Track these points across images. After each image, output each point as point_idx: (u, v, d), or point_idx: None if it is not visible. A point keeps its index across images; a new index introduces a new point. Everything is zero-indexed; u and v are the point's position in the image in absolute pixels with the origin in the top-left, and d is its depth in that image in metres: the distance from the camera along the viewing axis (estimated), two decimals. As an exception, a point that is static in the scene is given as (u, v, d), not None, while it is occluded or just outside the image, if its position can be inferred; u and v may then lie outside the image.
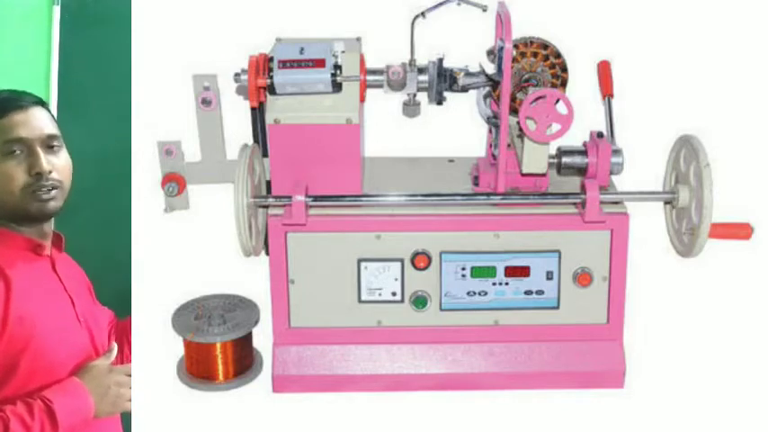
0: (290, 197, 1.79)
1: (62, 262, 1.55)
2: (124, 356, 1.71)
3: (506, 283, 1.87)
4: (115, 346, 1.52)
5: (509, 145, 1.88)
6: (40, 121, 1.46)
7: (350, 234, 1.84)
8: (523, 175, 1.88)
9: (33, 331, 1.40)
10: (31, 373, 1.39)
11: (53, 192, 1.45)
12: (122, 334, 1.70)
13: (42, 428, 1.32)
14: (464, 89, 1.85)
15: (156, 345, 1.96)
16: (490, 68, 1.85)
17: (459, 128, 2.11)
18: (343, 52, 1.82)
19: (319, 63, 1.78)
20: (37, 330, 1.40)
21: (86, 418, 1.40)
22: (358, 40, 1.94)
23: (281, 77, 1.78)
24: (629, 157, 1.86)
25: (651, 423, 1.81)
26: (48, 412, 1.34)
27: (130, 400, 1.47)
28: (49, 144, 1.46)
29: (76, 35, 2.34)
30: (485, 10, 1.79)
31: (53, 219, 1.51)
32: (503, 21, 1.76)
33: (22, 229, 1.48)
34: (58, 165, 1.46)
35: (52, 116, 1.50)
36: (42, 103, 1.50)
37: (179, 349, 1.96)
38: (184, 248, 2.29)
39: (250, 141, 1.91)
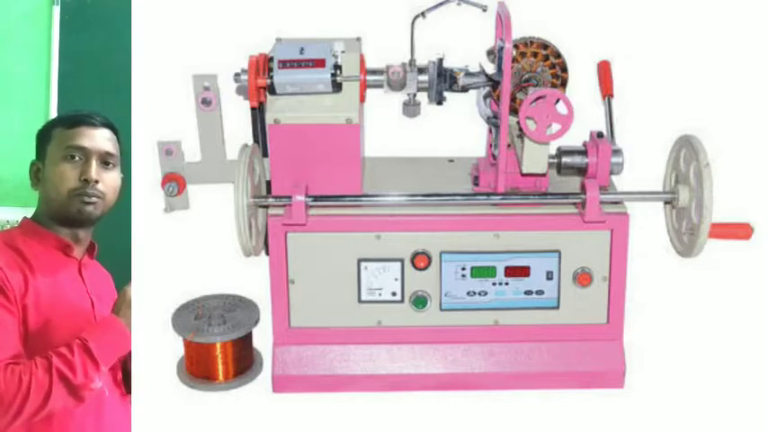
0: (290, 197, 1.79)
1: (91, 268, 1.66)
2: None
3: (506, 283, 1.87)
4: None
5: (509, 145, 1.88)
6: (104, 139, 1.60)
7: (350, 234, 1.84)
8: (523, 175, 1.87)
9: (48, 321, 1.50)
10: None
11: (94, 199, 1.57)
12: None
13: (84, 364, 1.44)
14: (464, 89, 1.85)
15: (156, 345, 1.96)
16: (490, 68, 1.85)
17: (459, 128, 2.10)
18: (343, 52, 1.81)
19: (319, 63, 1.78)
20: (50, 322, 1.50)
21: (126, 348, 1.53)
22: (358, 40, 1.94)
23: (281, 77, 1.78)
24: (629, 157, 1.86)
25: (651, 423, 1.81)
26: (85, 350, 1.45)
27: None
28: (105, 160, 1.59)
29: (76, 35, 2.35)
30: (485, 10, 1.79)
31: (90, 227, 1.63)
32: (503, 21, 1.76)
33: (59, 229, 1.60)
34: (107, 179, 1.59)
35: (117, 139, 1.64)
36: (113, 127, 1.63)
37: (179, 349, 1.96)
38: (184, 248, 2.29)
39: (250, 141, 1.91)
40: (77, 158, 1.57)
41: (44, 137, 1.62)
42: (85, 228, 1.62)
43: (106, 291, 1.68)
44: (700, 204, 1.78)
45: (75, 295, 1.59)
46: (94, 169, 1.57)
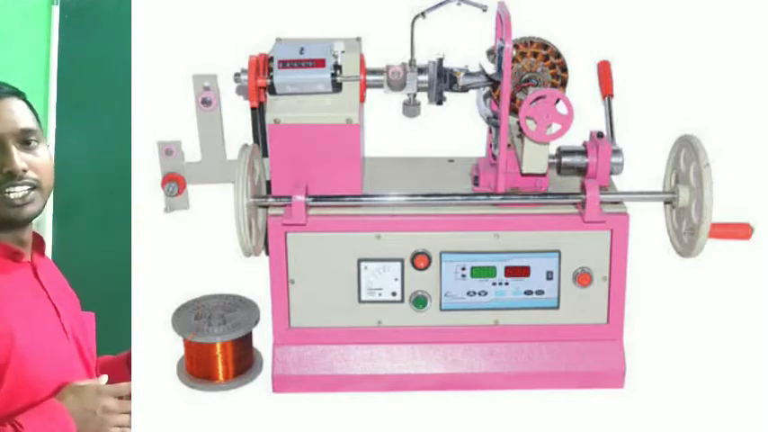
0: (290, 197, 1.78)
1: (44, 267, 1.44)
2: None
3: (506, 283, 1.87)
4: (105, 378, 1.40)
5: (509, 145, 1.88)
6: (14, 114, 1.31)
7: (350, 234, 1.84)
8: (523, 175, 1.87)
9: (13, 346, 1.30)
10: (16, 390, 1.30)
11: (30, 194, 1.31)
12: (117, 369, 1.58)
13: None
14: (464, 89, 1.85)
15: (156, 345, 1.96)
16: (490, 68, 1.85)
17: (459, 128, 2.11)
18: (343, 52, 1.81)
19: (319, 63, 1.78)
20: (17, 344, 1.30)
21: None
22: (358, 40, 1.94)
23: (281, 77, 1.78)
24: (629, 157, 1.86)
25: (651, 423, 1.81)
26: None
27: (120, 427, 1.36)
28: (24, 139, 1.31)
29: (76, 35, 2.34)
30: (485, 10, 1.79)
31: (31, 223, 1.38)
32: (503, 21, 1.76)
33: (1, 235, 1.35)
34: (36, 162, 1.32)
35: (32, 109, 1.36)
36: (19, 93, 1.35)
37: (179, 349, 1.96)
38: (184, 248, 2.29)
39: (250, 141, 1.91)
40: None
41: None
42: (27, 227, 1.36)
43: (63, 288, 1.48)
44: (700, 204, 1.78)
45: (39, 308, 1.38)
46: (16, 156, 1.27)
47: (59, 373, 1.37)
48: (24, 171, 1.29)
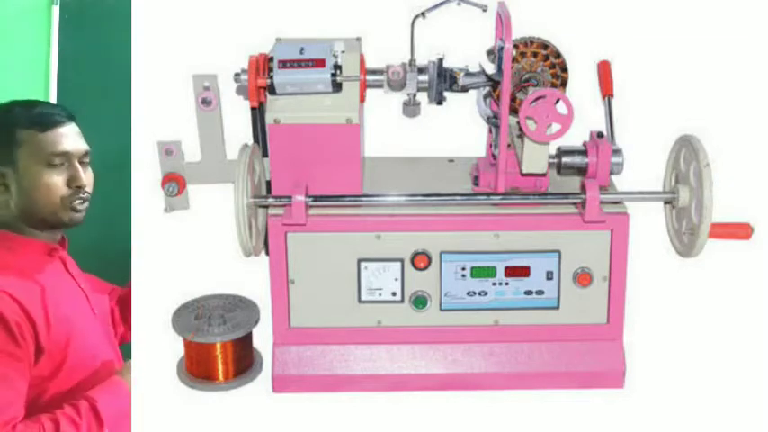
0: (290, 197, 1.79)
1: (70, 260, 1.62)
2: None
3: (506, 283, 1.87)
4: None
5: (509, 145, 1.88)
6: (78, 137, 1.56)
7: (350, 234, 1.84)
8: (523, 175, 1.88)
9: (71, 327, 1.50)
10: (75, 365, 1.49)
11: (85, 204, 1.55)
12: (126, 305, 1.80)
13: (89, 425, 1.42)
14: (464, 89, 1.85)
15: (156, 345, 1.96)
16: (490, 68, 1.85)
17: (459, 128, 2.11)
18: (343, 52, 1.81)
19: (319, 63, 1.78)
20: (72, 325, 1.50)
21: (127, 413, 1.51)
22: (358, 40, 1.94)
23: (281, 77, 1.78)
24: (629, 157, 1.86)
25: (651, 423, 1.82)
26: (93, 410, 1.43)
27: None
28: (83, 159, 1.56)
29: (76, 35, 2.34)
30: (485, 10, 1.79)
31: None
32: (503, 21, 1.76)
33: (37, 233, 1.55)
34: (89, 178, 1.56)
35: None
36: (73, 117, 1.58)
37: (179, 349, 1.96)
38: (184, 248, 2.29)
39: (250, 141, 1.91)
40: (60, 164, 1.52)
41: (8, 141, 1.51)
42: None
43: (85, 278, 1.66)
44: (700, 204, 1.78)
45: (76, 295, 1.58)
46: (83, 173, 1.53)
47: (97, 348, 1.58)
48: (86, 186, 1.55)
